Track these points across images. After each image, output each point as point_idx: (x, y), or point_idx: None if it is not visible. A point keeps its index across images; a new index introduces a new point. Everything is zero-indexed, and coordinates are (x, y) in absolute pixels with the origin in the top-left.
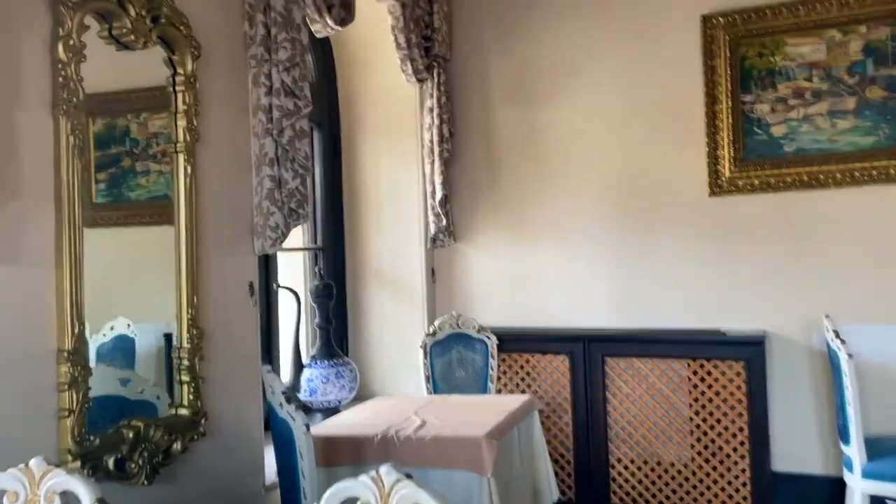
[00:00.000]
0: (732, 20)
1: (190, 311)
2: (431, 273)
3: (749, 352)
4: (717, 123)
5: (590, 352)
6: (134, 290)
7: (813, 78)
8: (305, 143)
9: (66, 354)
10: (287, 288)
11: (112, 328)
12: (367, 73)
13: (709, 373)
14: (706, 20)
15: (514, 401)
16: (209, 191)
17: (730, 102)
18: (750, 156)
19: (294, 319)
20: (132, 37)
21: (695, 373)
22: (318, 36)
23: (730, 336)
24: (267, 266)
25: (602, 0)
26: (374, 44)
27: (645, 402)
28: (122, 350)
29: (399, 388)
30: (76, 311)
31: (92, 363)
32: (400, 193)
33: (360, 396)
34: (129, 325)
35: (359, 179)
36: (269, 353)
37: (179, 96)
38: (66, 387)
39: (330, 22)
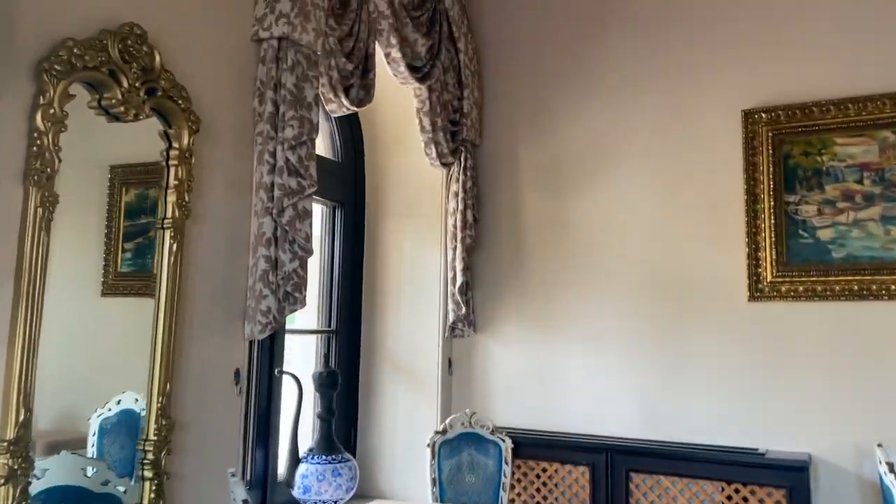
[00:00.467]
0: (776, 116)
1: (161, 399)
2: (448, 364)
3: (792, 478)
4: (758, 223)
5: (613, 465)
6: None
7: (864, 180)
8: (307, 224)
9: (5, 444)
10: (289, 374)
11: (119, 402)
12: (395, 153)
13: (745, 499)
14: (747, 115)
15: None
16: (199, 270)
17: (772, 202)
18: (794, 260)
19: (294, 408)
20: (122, 108)
21: (729, 498)
22: (334, 115)
23: (770, 458)
24: (272, 349)
25: (640, 90)
26: (403, 123)
27: None
28: (126, 426)
29: (406, 490)
30: (24, 397)
31: (92, 439)
32: (420, 278)
33: (363, 495)
34: (136, 399)
35: (379, 261)
36: (266, 443)
37: (172, 171)
38: (3, 480)
39: (346, 102)
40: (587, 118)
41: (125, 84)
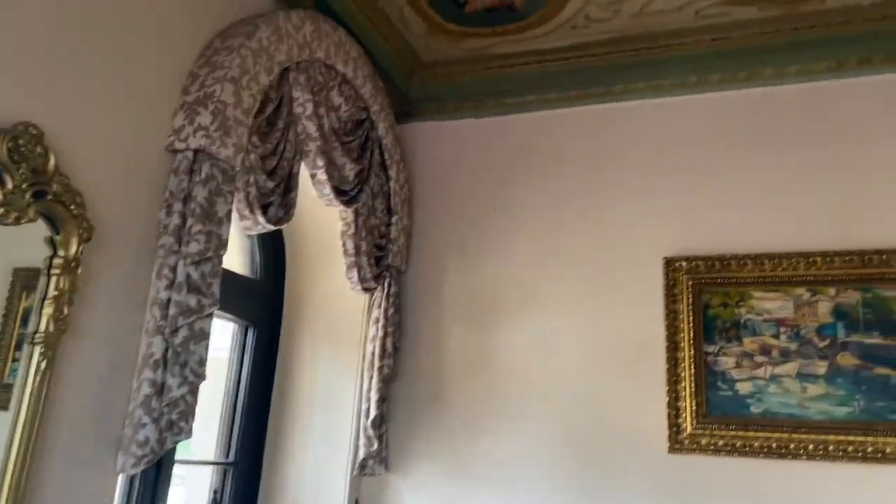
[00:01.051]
0: (696, 266)
1: None
2: None
3: None
4: (678, 372)
5: None
6: None
7: (780, 336)
8: (203, 347)
9: None
10: None
11: None
12: (318, 274)
13: None
14: (669, 262)
15: None
16: (72, 391)
17: (692, 351)
18: (714, 412)
19: None
20: (1, 210)
21: None
22: (248, 233)
23: None
24: (156, 483)
25: (564, 232)
26: (327, 244)
27: None
28: None
29: None
30: None
31: None
32: (334, 408)
33: None
34: None
35: (290, 387)
36: None
37: (53, 280)
38: None
39: (262, 220)
40: (513, 256)
41: (9, 185)
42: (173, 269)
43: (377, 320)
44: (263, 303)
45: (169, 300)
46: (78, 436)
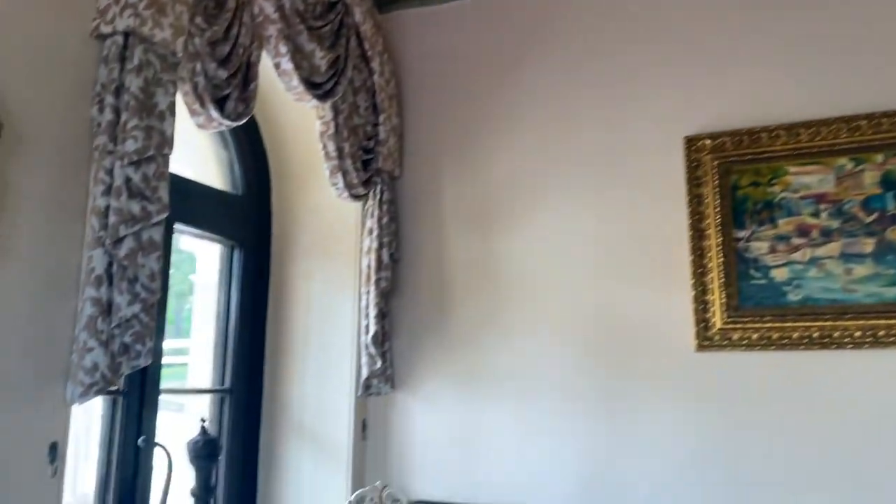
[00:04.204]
0: (721, 143)
1: None
2: (362, 427)
3: None
4: (705, 263)
5: None
6: None
7: (820, 213)
8: (153, 259)
9: None
10: (155, 443)
11: None
12: (306, 186)
13: None
14: (690, 142)
15: None
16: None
17: (720, 238)
18: (746, 303)
19: (163, 485)
20: None
21: None
22: (203, 130)
23: None
24: (140, 412)
25: (573, 120)
26: (315, 153)
27: None
28: None
29: None
30: None
31: None
32: (331, 328)
33: None
34: None
35: (285, 309)
36: None
37: None
38: None
39: (216, 115)
40: (517, 150)
41: None
42: (109, 173)
43: (371, 231)
44: (248, 220)
45: (108, 208)
46: (11, 367)
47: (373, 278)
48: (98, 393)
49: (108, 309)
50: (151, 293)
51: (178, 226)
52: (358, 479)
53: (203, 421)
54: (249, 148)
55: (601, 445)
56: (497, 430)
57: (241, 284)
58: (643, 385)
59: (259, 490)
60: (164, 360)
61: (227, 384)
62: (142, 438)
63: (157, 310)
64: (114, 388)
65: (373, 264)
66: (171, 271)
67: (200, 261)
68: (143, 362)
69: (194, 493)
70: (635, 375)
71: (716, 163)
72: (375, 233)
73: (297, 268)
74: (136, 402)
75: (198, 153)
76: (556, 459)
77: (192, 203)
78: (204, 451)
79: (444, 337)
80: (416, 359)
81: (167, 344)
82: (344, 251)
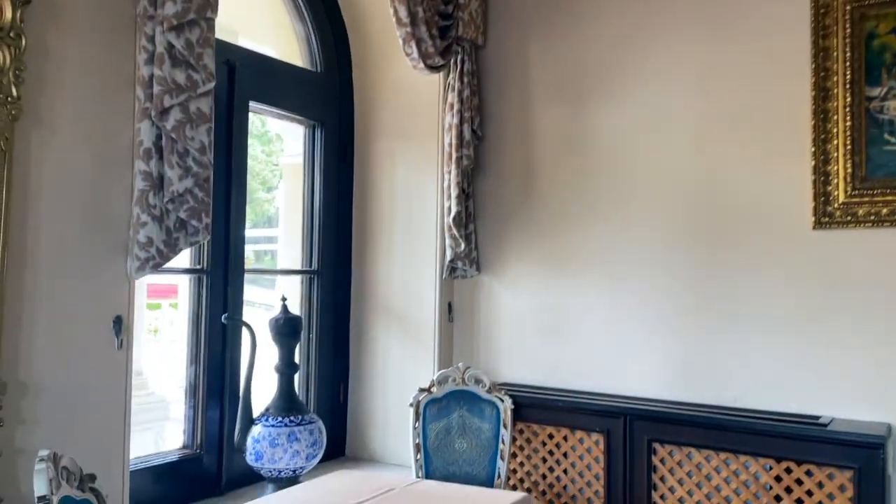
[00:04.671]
0: None
1: None
2: (448, 310)
3: (862, 456)
4: (828, 128)
5: (633, 433)
6: None
7: None
8: (203, 132)
9: None
10: (239, 321)
11: None
12: (388, 63)
13: (799, 482)
14: None
15: (502, 499)
16: (47, 189)
17: (848, 98)
18: (876, 173)
19: (248, 361)
20: None
21: (778, 480)
22: None
23: (835, 430)
24: (226, 291)
25: None
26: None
27: None
28: None
29: (399, 452)
30: None
31: None
32: (415, 209)
33: (356, 457)
34: None
35: (370, 191)
36: (221, 402)
37: None
38: None
39: None
40: (613, 10)
41: None
42: (152, 40)
43: (452, 106)
44: (329, 99)
45: (151, 77)
46: (68, 240)
47: (454, 156)
48: (155, 268)
49: (159, 183)
50: (203, 167)
51: (254, 104)
52: (445, 360)
53: (284, 300)
54: (328, 22)
55: (699, 332)
56: (586, 315)
57: (324, 165)
58: (749, 267)
59: (351, 365)
60: (258, 248)
61: (315, 266)
62: (225, 315)
63: (211, 185)
64: (196, 268)
65: (454, 141)
66: (260, 154)
67: (287, 142)
68: (202, 238)
69: (278, 369)
70: (741, 256)
71: (848, 7)
72: (456, 108)
73: (380, 147)
74: (220, 280)
75: (274, 29)
76: (648, 346)
77: (268, 81)
78: (285, 329)
79: (530, 217)
80: (501, 241)
81: (259, 232)
82: (426, 129)
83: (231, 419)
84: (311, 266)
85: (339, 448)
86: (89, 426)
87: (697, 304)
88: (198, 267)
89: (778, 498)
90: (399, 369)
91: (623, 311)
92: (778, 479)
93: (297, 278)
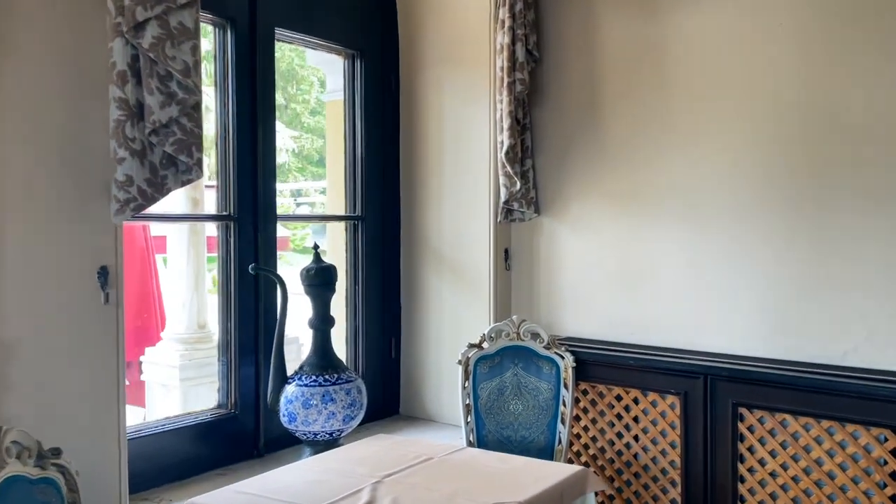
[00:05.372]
0: None
1: None
2: (504, 256)
3: None
4: None
5: (715, 395)
6: None
7: None
8: (187, 50)
9: None
10: (268, 272)
11: None
12: None
13: None
14: None
15: (554, 474)
16: (16, 124)
17: None
18: None
19: (279, 314)
20: None
21: (894, 453)
22: None
23: None
24: (255, 239)
25: None
26: None
27: (803, 488)
28: None
29: (454, 411)
30: None
31: None
32: (465, 146)
33: (410, 416)
34: None
35: (417, 126)
36: (256, 360)
37: None
38: None
39: None
40: None
41: None
42: None
43: (503, 23)
44: (370, 25)
45: None
46: (57, 179)
47: (506, 81)
48: (137, 210)
49: (138, 112)
50: (190, 92)
51: (280, 31)
52: (502, 312)
53: (316, 247)
54: None
55: (800, 276)
56: (661, 259)
57: (365, 100)
58: (857, 204)
59: (402, 316)
60: (301, 200)
61: (358, 211)
62: (252, 266)
63: (201, 114)
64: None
65: (505, 64)
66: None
67: (329, 78)
68: (195, 176)
69: (311, 324)
70: (848, 189)
71: None
72: (507, 24)
73: (426, 77)
74: (249, 227)
75: None
76: (733, 294)
77: (297, 3)
78: (317, 280)
79: (596, 150)
80: (563, 178)
81: (307, 185)
82: (476, 52)
83: (266, 377)
84: (354, 211)
85: (393, 407)
86: (72, 391)
87: (798, 244)
88: (224, 213)
89: (894, 475)
90: (453, 323)
91: (705, 255)
92: (894, 452)
93: (341, 225)
